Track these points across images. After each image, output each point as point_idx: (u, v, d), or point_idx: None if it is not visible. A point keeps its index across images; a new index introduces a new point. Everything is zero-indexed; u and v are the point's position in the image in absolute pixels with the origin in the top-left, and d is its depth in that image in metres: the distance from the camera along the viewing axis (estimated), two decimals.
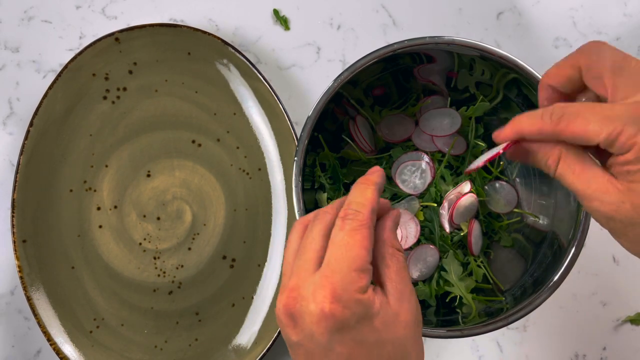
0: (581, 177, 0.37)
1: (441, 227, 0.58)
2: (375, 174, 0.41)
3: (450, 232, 0.58)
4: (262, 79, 0.63)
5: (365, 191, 0.39)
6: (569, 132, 0.36)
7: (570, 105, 0.36)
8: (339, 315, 0.34)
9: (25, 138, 0.62)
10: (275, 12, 0.68)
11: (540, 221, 0.58)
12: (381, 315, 0.36)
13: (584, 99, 0.40)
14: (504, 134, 0.39)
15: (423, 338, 0.64)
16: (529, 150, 0.39)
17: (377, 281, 0.39)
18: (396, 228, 0.41)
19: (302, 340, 0.36)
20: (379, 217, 0.40)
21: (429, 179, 0.58)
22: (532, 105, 0.55)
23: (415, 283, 0.59)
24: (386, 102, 0.62)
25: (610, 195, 0.35)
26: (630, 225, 0.35)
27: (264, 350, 0.61)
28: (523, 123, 0.38)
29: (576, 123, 0.35)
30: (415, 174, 0.58)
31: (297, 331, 0.36)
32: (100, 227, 0.64)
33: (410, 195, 0.59)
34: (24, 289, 0.61)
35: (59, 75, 0.63)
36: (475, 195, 0.59)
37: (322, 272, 0.35)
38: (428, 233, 0.59)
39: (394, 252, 0.39)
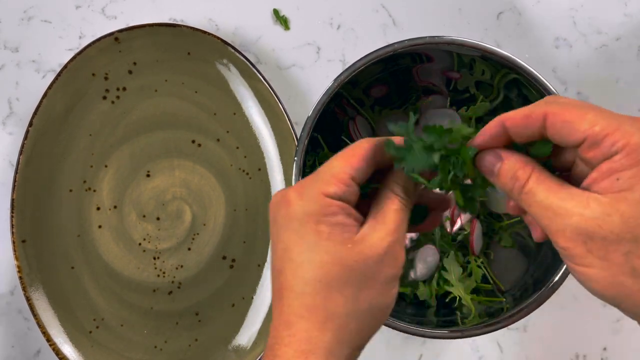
0: (558, 193, 0.33)
1: (442, 226, 0.58)
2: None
3: (453, 232, 0.58)
4: (262, 79, 0.63)
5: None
6: (560, 119, 0.33)
7: (564, 97, 0.35)
8: (290, 205, 0.36)
9: (25, 138, 0.62)
10: (275, 12, 0.68)
11: None
12: (336, 232, 0.35)
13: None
14: (489, 126, 0.37)
15: (423, 338, 0.64)
16: (495, 161, 0.37)
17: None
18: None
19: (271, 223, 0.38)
20: None
21: None
22: None
23: (415, 283, 0.59)
24: (386, 102, 0.62)
25: (592, 209, 0.31)
26: (615, 243, 0.31)
27: (264, 350, 0.61)
28: (509, 113, 0.36)
29: (571, 111, 0.33)
30: None
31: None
32: (100, 227, 0.64)
33: None
34: (24, 289, 0.61)
35: (59, 75, 0.63)
36: None
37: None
38: (429, 233, 0.59)
39: (389, 194, 0.38)
